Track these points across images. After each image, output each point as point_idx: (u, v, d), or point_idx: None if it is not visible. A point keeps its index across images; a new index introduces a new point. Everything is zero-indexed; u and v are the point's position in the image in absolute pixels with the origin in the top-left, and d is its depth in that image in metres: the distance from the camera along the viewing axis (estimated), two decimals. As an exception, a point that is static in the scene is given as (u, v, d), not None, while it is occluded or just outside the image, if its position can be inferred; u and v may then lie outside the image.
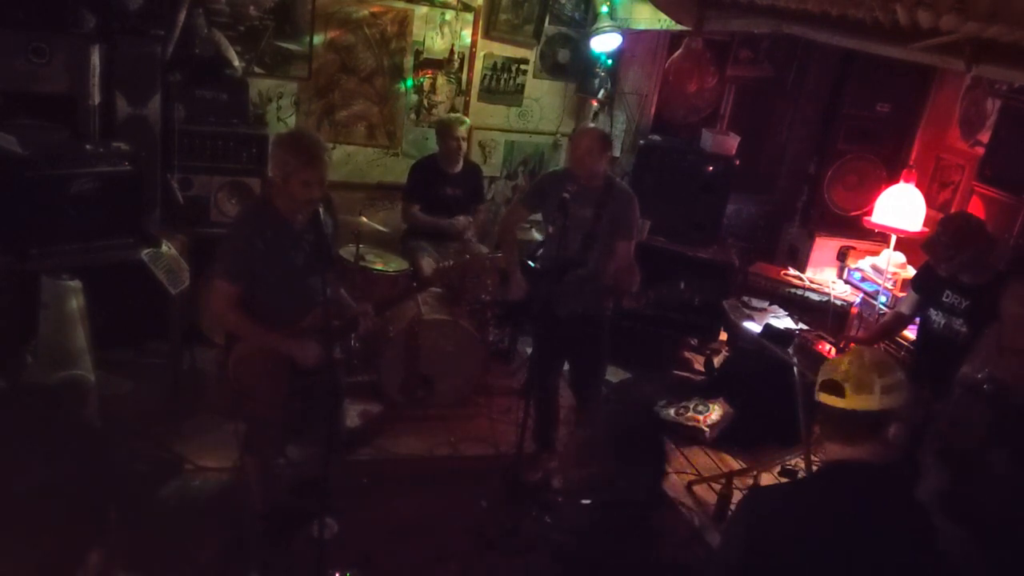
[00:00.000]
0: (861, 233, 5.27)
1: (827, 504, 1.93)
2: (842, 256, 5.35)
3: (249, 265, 3.03)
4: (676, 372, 5.49)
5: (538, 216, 4.33)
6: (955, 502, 2.81)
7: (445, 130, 5.00)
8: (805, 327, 4.40)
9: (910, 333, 4.12)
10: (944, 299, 3.61)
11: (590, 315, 3.86)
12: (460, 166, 5.09)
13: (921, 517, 1.91)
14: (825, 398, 1.95)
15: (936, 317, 3.66)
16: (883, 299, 4.76)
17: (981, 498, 2.68)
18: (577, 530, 1.59)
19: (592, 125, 4.41)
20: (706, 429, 4.62)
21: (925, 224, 4.66)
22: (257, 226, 3.10)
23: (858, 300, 5.00)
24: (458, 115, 5.21)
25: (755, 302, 4.91)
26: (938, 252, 3.57)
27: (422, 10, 5.21)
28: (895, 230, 4.69)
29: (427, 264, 4.76)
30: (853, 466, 1.93)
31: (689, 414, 4.70)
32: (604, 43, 5.25)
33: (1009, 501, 2.73)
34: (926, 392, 3.09)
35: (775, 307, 4.88)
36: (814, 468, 3.82)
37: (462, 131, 5.02)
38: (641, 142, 5.59)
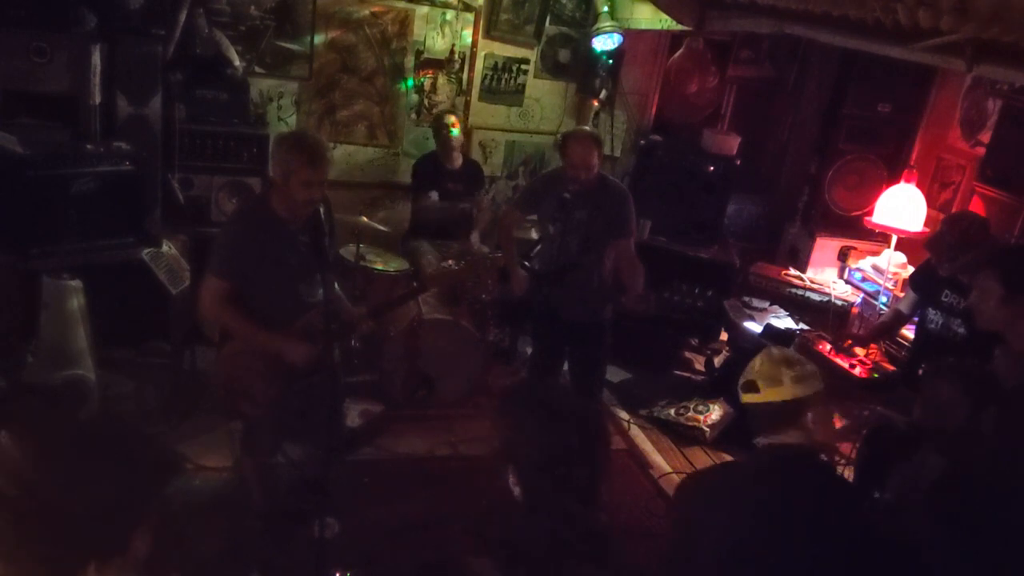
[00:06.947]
0: (862, 233, 5.27)
1: (760, 484, 2.10)
2: (843, 256, 5.34)
3: (240, 262, 3.01)
4: (676, 372, 5.50)
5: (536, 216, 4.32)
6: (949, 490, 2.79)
7: (437, 123, 5.10)
8: (806, 327, 4.41)
9: (909, 332, 4.12)
10: (943, 299, 3.59)
11: (592, 317, 3.86)
12: (460, 162, 5.11)
13: (846, 490, 2.17)
14: (745, 397, 2.17)
15: (934, 317, 3.65)
16: (884, 299, 4.76)
17: (974, 470, 2.65)
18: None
19: (587, 128, 4.35)
20: (706, 429, 4.62)
21: (926, 224, 4.66)
22: (251, 224, 3.08)
23: (859, 300, 5.00)
24: (446, 108, 5.30)
25: (756, 302, 4.91)
26: (942, 252, 3.54)
27: (423, 10, 5.21)
28: (896, 230, 4.69)
29: (428, 264, 4.76)
30: (783, 450, 2.10)
31: (689, 414, 4.70)
32: (605, 43, 5.25)
33: (1002, 469, 2.70)
34: (911, 393, 3.07)
35: (776, 307, 4.88)
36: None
37: (450, 120, 5.04)
38: (641, 142, 5.60)
